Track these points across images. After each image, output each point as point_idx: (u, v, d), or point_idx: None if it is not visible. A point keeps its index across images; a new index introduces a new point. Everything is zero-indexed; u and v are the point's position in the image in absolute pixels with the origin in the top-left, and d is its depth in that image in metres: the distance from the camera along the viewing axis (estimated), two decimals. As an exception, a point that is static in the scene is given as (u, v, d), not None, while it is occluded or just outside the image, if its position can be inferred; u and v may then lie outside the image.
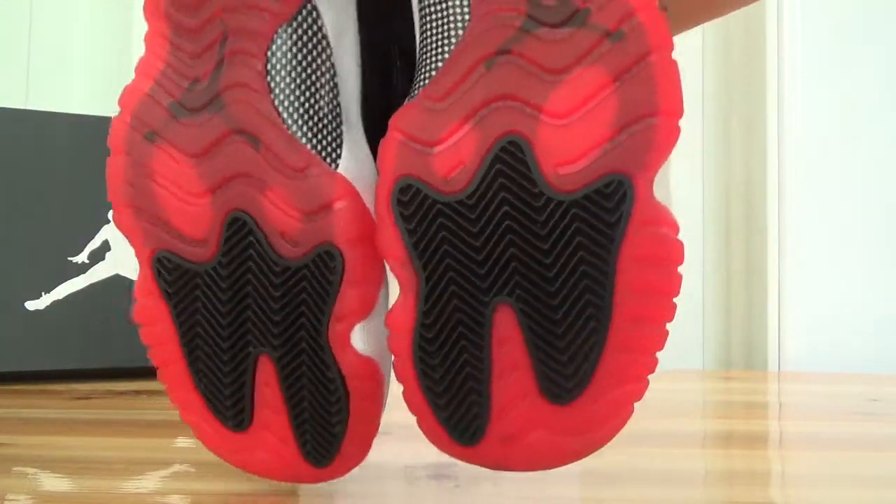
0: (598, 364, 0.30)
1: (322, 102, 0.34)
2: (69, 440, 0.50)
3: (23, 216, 0.77)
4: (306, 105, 0.34)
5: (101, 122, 0.79)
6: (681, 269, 0.30)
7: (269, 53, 0.34)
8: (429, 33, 0.33)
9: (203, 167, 0.34)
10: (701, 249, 1.08)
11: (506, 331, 0.31)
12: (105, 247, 0.79)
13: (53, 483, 0.41)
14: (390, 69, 0.38)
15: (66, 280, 0.78)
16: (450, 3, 0.32)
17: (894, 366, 0.98)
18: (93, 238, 0.79)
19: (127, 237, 0.35)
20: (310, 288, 0.33)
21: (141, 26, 0.37)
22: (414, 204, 0.31)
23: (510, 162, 0.31)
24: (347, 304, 0.33)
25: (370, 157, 0.35)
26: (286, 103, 0.34)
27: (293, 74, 0.34)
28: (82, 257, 0.79)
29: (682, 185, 1.05)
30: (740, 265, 1.07)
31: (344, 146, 0.34)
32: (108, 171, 0.35)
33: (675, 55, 0.30)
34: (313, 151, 0.34)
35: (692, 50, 1.08)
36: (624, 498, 0.37)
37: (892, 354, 1.00)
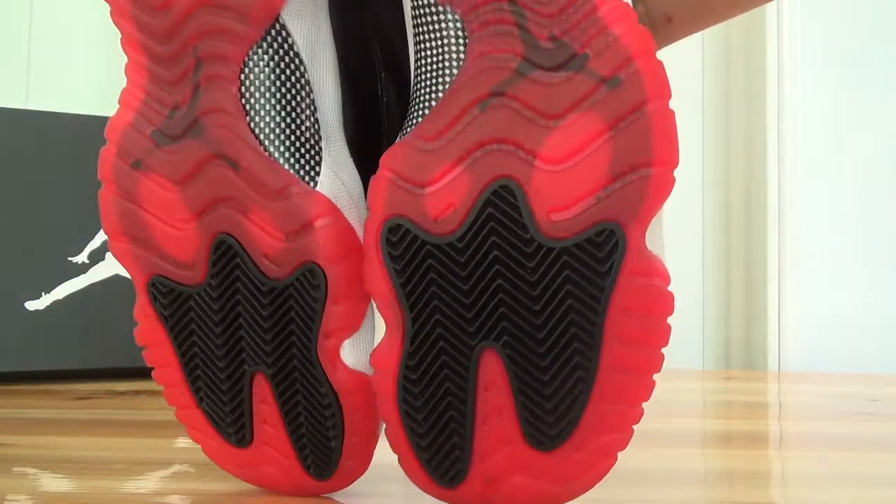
0: (583, 413, 0.30)
1: (299, 121, 0.34)
2: (69, 440, 0.50)
3: (23, 216, 0.77)
4: (282, 125, 0.34)
5: (101, 122, 0.79)
6: (670, 317, 0.30)
7: (242, 76, 0.34)
8: (423, 70, 0.32)
9: (187, 192, 0.34)
10: (701, 249, 1.08)
11: (491, 376, 0.31)
12: (105, 247, 0.79)
13: (53, 483, 0.41)
14: (374, 81, 0.37)
15: (66, 280, 0.78)
16: (445, 42, 0.32)
17: (894, 366, 0.98)
18: (93, 238, 0.79)
19: (122, 264, 0.36)
20: (297, 307, 0.33)
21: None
22: (403, 244, 0.31)
23: (502, 206, 0.30)
24: (334, 320, 0.33)
25: (354, 172, 0.35)
26: (262, 125, 0.34)
27: (267, 95, 0.34)
28: (82, 257, 0.79)
29: (683, 185, 1.05)
30: (740, 265, 1.07)
31: (323, 163, 0.34)
32: (101, 202, 0.36)
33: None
34: (291, 171, 0.33)
35: (692, 50, 1.08)
36: (624, 498, 0.37)
37: (892, 354, 1.00)
